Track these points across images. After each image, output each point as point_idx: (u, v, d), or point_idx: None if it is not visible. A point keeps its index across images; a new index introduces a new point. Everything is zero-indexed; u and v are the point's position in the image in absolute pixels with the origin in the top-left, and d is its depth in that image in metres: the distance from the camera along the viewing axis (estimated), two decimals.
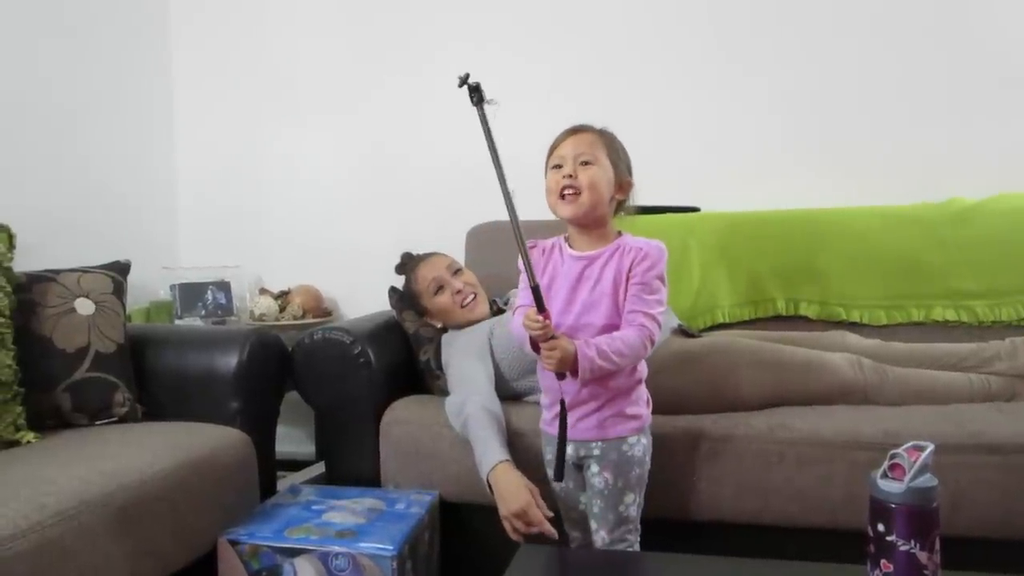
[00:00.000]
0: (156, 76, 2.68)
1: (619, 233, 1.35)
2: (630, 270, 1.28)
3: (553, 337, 1.23)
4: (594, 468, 1.32)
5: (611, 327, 1.28)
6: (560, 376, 1.26)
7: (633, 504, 1.33)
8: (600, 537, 1.33)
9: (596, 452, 1.31)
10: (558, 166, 1.32)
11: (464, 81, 1.24)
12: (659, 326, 1.28)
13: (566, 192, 1.30)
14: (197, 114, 2.73)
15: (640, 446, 1.32)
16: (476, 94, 1.25)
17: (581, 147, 1.31)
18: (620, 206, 1.37)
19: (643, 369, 1.34)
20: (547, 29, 2.45)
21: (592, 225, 1.33)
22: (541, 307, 1.23)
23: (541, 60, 2.46)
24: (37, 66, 2.18)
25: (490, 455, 1.43)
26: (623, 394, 1.31)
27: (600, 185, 1.30)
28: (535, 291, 1.24)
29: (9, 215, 1.68)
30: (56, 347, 1.60)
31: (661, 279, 1.29)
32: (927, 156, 2.19)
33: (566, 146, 1.33)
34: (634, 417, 1.32)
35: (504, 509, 1.35)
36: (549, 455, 1.38)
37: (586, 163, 1.30)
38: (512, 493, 1.35)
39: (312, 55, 2.64)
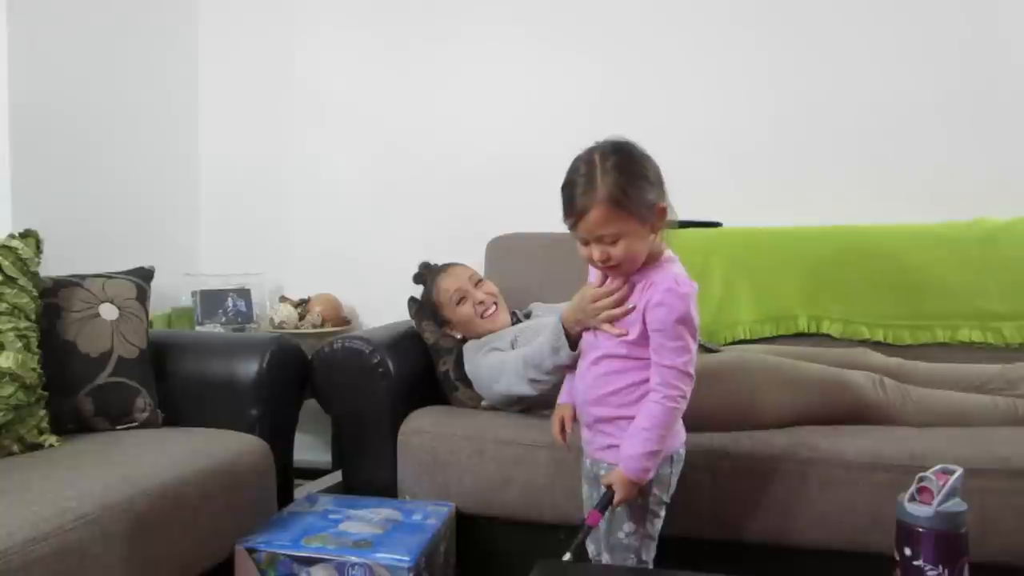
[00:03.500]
0: (182, 85, 2.71)
1: (661, 256, 1.28)
2: (646, 310, 1.24)
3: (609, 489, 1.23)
4: (603, 488, 1.31)
5: (618, 357, 1.27)
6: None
7: (634, 535, 1.29)
8: (604, 559, 1.33)
9: (603, 472, 1.31)
10: (586, 241, 1.25)
11: None
12: (688, 376, 1.22)
13: (607, 267, 1.26)
14: (221, 124, 2.76)
15: None
16: None
17: (599, 229, 1.21)
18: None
19: (638, 406, 1.27)
20: (569, 42, 2.46)
21: None
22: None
23: (564, 72, 2.46)
24: (64, 76, 2.21)
25: (551, 328, 1.43)
26: (622, 424, 1.27)
27: (635, 249, 1.23)
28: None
29: (38, 221, 1.71)
30: (80, 351, 1.62)
31: (683, 323, 1.21)
32: (955, 175, 2.17)
33: (584, 227, 1.22)
34: None
35: (588, 315, 1.31)
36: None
37: (614, 242, 1.22)
38: (576, 305, 1.34)
39: (336, 67, 2.66)
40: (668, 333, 1.22)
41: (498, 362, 1.70)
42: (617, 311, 1.26)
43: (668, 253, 1.30)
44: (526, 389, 1.60)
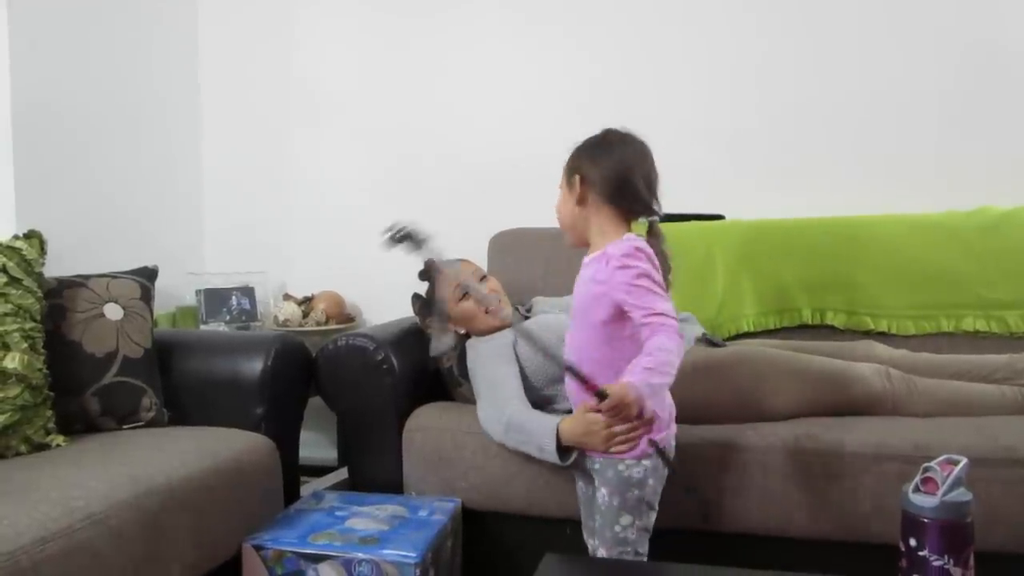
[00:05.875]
0: (183, 85, 2.71)
1: (620, 238, 1.29)
2: (610, 279, 1.25)
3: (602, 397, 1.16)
4: (596, 482, 1.33)
5: (589, 337, 1.29)
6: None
7: (631, 527, 1.30)
8: (600, 554, 1.33)
9: (596, 467, 1.32)
10: None
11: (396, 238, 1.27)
12: (675, 320, 1.21)
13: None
14: (223, 122, 2.76)
15: (640, 469, 1.28)
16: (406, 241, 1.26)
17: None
18: (627, 212, 1.31)
19: None
20: (570, 37, 2.45)
21: (589, 242, 1.35)
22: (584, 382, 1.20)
23: (564, 66, 2.46)
24: (66, 77, 2.21)
25: (545, 434, 1.43)
26: None
27: (560, 209, 1.37)
28: (570, 370, 1.22)
29: (41, 222, 1.71)
30: (85, 351, 1.62)
31: (646, 275, 1.23)
32: (956, 164, 2.16)
33: None
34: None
35: (600, 445, 1.30)
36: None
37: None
38: (586, 431, 1.32)
39: (337, 65, 2.66)
40: (635, 290, 1.22)
41: (487, 388, 1.67)
42: (630, 435, 1.26)
43: (630, 235, 1.30)
44: (496, 433, 1.59)
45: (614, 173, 1.30)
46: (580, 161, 1.34)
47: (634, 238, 1.28)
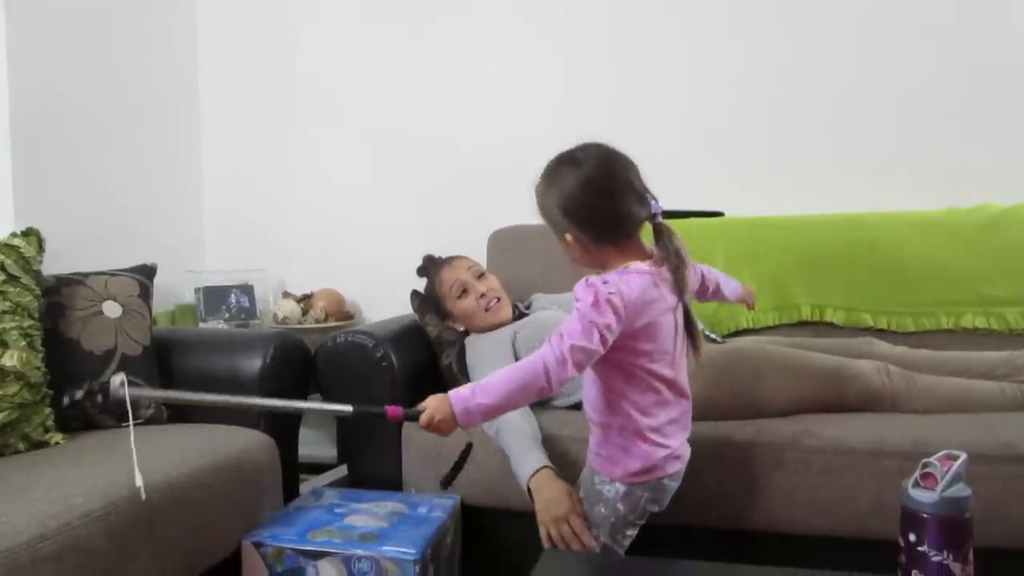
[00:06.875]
0: (182, 82, 2.71)
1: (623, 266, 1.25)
2: None
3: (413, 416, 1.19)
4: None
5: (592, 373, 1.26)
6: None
7: (603, 536, 1.30)
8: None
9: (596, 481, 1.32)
10: None
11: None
12: (565, 350, 1.12)
13: None
14: (223, 120, 2.76)
15: (611, 489, 1.27)
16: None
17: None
18: (626, 239, 1.26)
19: (616, 421, 1.25)
20: (564, 30, 2.45)
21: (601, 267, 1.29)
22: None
23: (563, 64, 2.46)
24: (65, 74, 2.21)
25: (530, 460, 1.43)
26: (600, 431, 1.29)
27: (568, 253, 1.31)
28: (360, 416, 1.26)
29: (40, 219, 1.71)
30: (83, 349, 1.62)
31: (579, 310, 1.16)
32: (955, 161, 2.16)
33: None
34: (607, 460, 1.28)
35: (545, 514, 1.33)
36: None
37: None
38: (554, 499, 1.33)
39: (337, 62, 2.66)
40: (573, 315, 1.18)
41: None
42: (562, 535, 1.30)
43: (636, 265, 1.23)
44: (489, 428, 1.56)
45: (593, 216, 1.24)
46: (555, 217, 1.28)
47: (614, 273, 1.21)
